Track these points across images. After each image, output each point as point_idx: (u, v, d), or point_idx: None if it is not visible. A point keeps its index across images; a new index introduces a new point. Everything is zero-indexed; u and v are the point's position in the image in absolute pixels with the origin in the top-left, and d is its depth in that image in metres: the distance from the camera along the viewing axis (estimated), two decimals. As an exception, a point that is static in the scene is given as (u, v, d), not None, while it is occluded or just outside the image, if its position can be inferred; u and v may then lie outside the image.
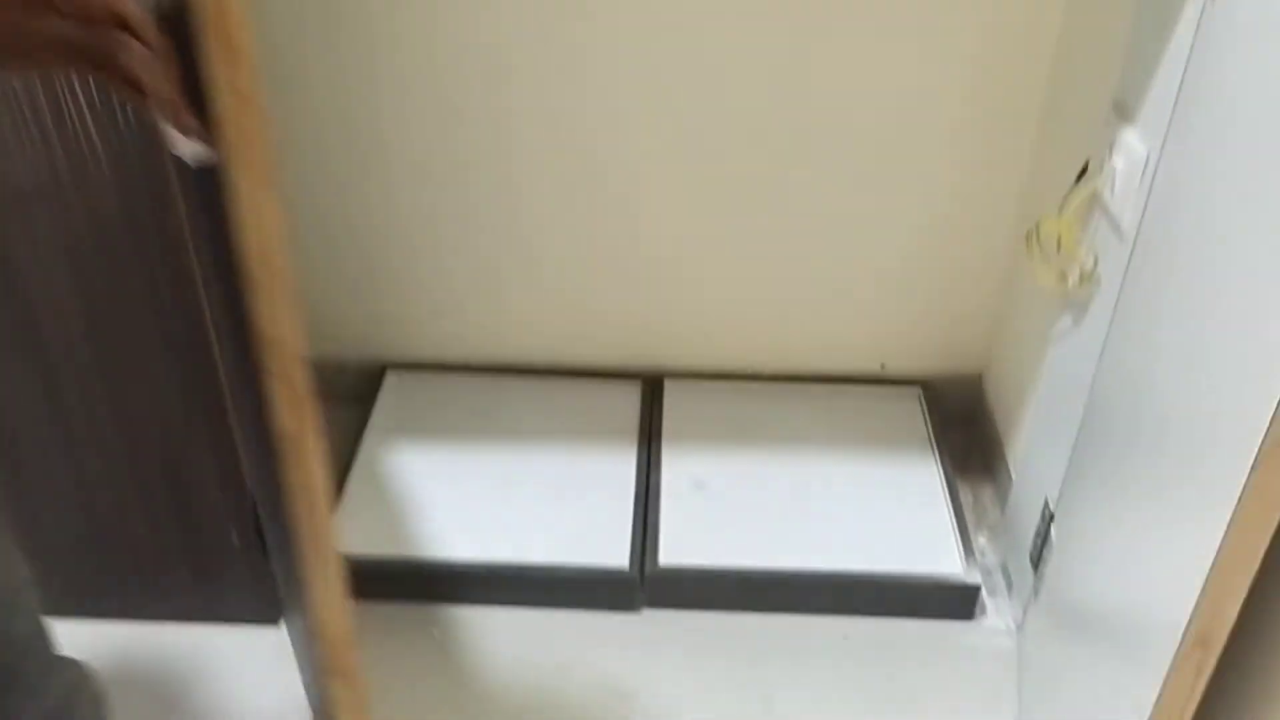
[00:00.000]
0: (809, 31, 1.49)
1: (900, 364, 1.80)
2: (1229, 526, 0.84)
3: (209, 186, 0.76)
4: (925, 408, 1.77)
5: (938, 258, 1.68)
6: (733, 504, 1.61)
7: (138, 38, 0.69)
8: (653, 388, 1.80)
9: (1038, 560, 1.40)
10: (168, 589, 1.45)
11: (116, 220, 1.13)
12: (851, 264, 1.70)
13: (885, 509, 1.61)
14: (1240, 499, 0.83)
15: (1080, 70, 1.41)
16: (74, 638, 1.46)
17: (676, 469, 1.65)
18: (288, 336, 0.78)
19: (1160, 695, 0.94)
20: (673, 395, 1.78)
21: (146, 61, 0.69)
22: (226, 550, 1.40)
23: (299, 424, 0.81)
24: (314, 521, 0.88)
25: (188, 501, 1.36)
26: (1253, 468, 0.82)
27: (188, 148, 0.74)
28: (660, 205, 1.65)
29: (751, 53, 1.51)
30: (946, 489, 1.62)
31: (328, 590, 0.94)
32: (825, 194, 1.63)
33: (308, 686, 1.37)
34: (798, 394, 1.80)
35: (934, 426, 1.73)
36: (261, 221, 0.74)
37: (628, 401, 1.78)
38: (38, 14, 0.67)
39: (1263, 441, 0.80)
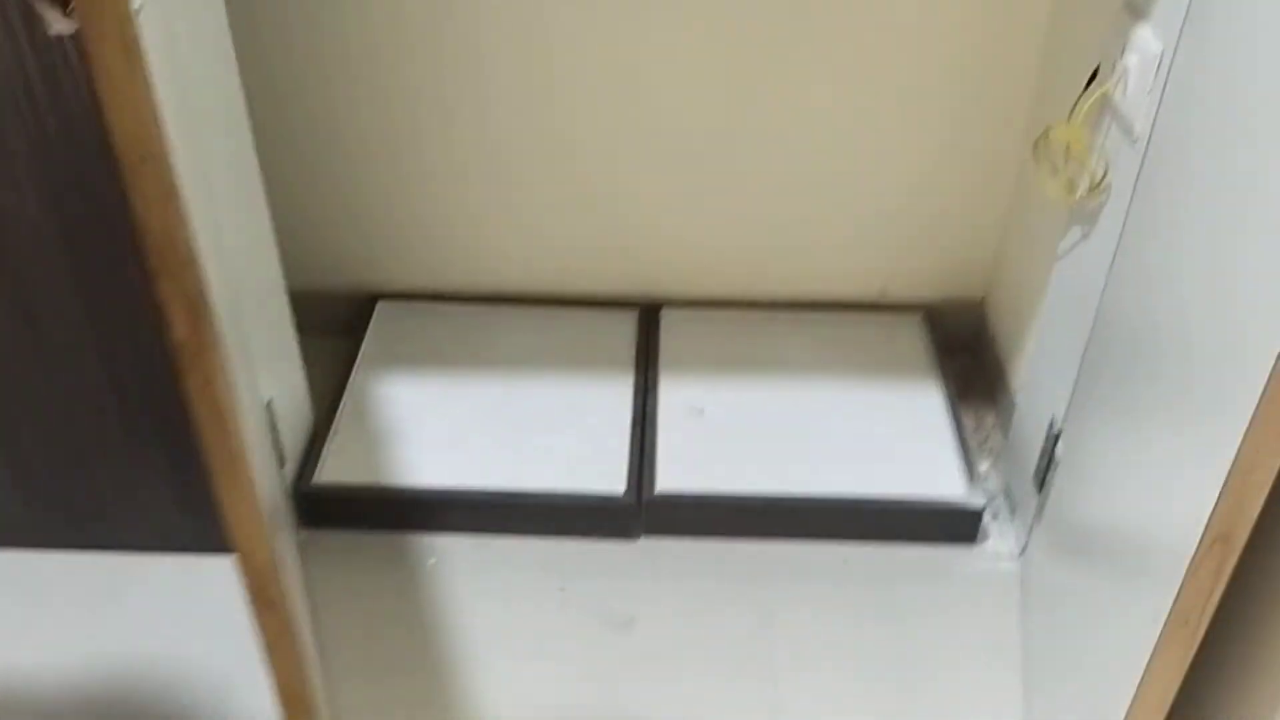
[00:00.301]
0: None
1: (901, 289, 1.77)
2: (1251, 421, 0.81)
3: (77, 72, 0.70)
4: (927, 333, 1.73)
5: (940, 179, 1.65)
6: (731, 430, 1.58)
7: None
8: (649, 315, 1.76)
9: (1042, 480, 1.38)
10: (153, 518, 1.42)
11: (88, 123, 1.08)
12: (852, 186, 1.66)
13: (886, 434, 1.58)
14: (1264, 393, 0.80)
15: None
16: (59, 569, 1.45)
17: (674, 395, 1.62)
18: (172, 231, 0.71)
19: (1177, 599, 0.91)
20: (669, 322, 1.75)
21: None
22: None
23: (194, 332, 0.73)
24: (224, 443, 0.80)
25: (173, 426, 1.33)
26: (1275, 366, 0.79)
27: (50, 15, 0.68)
28: (655, 128, 1.61)
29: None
30: (949, 413, 1.59)
31: (245, 516, 0.86)
32: (824, 113, 1.59)
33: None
34: (797, 321, 1.76)
35: (936, 352, 1.70)
36: (124, 99, 0.67)
37: (623, 329, 1.74)
38: None
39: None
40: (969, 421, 1.65)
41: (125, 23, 0.65)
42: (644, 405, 1.61)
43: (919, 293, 1.77)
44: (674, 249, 1.74)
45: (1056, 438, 1.34)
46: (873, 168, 1.64)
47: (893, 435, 1.58)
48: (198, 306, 0.73)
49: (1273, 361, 0.80)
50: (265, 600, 0.93)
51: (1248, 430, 0.82)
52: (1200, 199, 0.98)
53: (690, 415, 1.59)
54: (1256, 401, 0.81)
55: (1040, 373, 1.47)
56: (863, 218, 1.69)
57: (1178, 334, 1.00)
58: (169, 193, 0.70)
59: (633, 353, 1.70)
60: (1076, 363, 1.28)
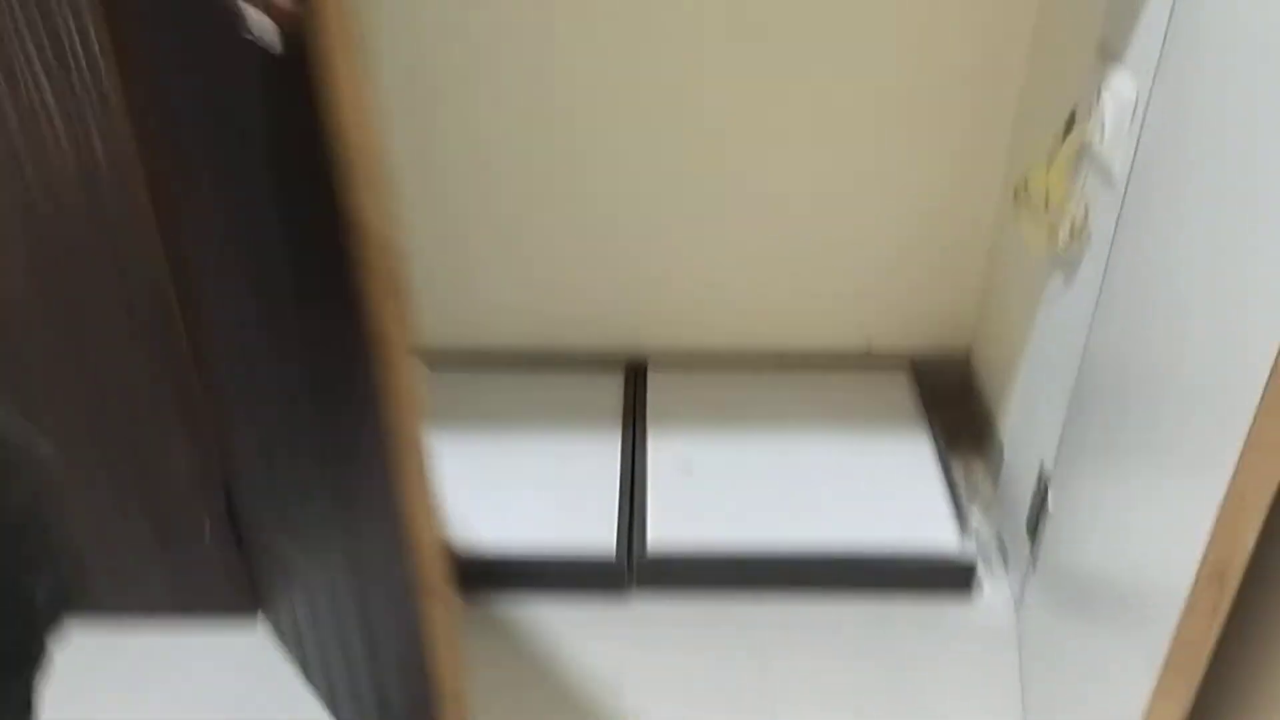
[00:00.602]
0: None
1: (887, 340, 1.77)
2: (1242, 451, 0.81)
3: (291, 72, 0.72)
4: (914, 385, 1.73)
5: (923, 231, 1.66)
6: (721, 486, 1.57)
7: None
8: (636, 373, 1.76)
9: (1035, 527, 1.37)
10: (141, 584, 1.40)
11: (74, 187, 1.08)
12: (836, 238, 1.67)
13: (877, 487, 1.57)
14: (1253, 422, 0.80)
15: (1065, 16, 1.38)
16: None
17: (663, 453, 1.61)
18: (385, 224, 0.74)
19: (1174, 641, 0.90)
20: (656, 380, 1.75)
21: None
22: (199, 542, 1.35)
23: (392, 321, 0.77)
24: (407, 427, 0.84)
25: (159, 493, 1.32)
26: (1264, 391, 0.79)
27: (267, 31, 0.70)
28: (640, 185, 1.62)
29: (728, 23, 1.48)
30: (939, 465, 1.59)
31: (420, 501, 0.90)
32: (807, 168, 1.60)
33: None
34: (784, 375, 1.76)
35: (923, 403, 1.69)
36: (353, 101, 0.70)
37: (611, 387, 1.74)
38: None
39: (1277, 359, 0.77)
40: (959, 472, 1.64)
41: (350, 20, 0.68)
42: (633, 463, 1.60)
43: (906, 344, 1.77)
44: (661, 304, 1.74)
45: (1046, 485, 1.33)
46: (855, 221, 1.65)
47: (883, 488, 1.57)
48: (400, 297, 0.77)
49: (1260, 391, 0.80)
50: (433, 591, 0.96)
51: (1239, 460, 0.81)
52: (1179, 242, 0.99)
53: (680, 472, 1.58)
54: (1246, 431, 0.80)
55: (1028, 421, 1.47)
56: (849, 270, 1.70)
57: (1164, 372, 1.00)
58: (384, 187, 0.73)
59: (620, 410, 1.69)
60: (1063, 409, 1.28)
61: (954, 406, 1.76)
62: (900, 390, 1.73)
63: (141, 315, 1.18)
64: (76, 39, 1.03)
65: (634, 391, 1.72)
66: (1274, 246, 0.81)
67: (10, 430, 0.73)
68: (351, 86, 0.71)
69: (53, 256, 1.14)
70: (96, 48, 1.03)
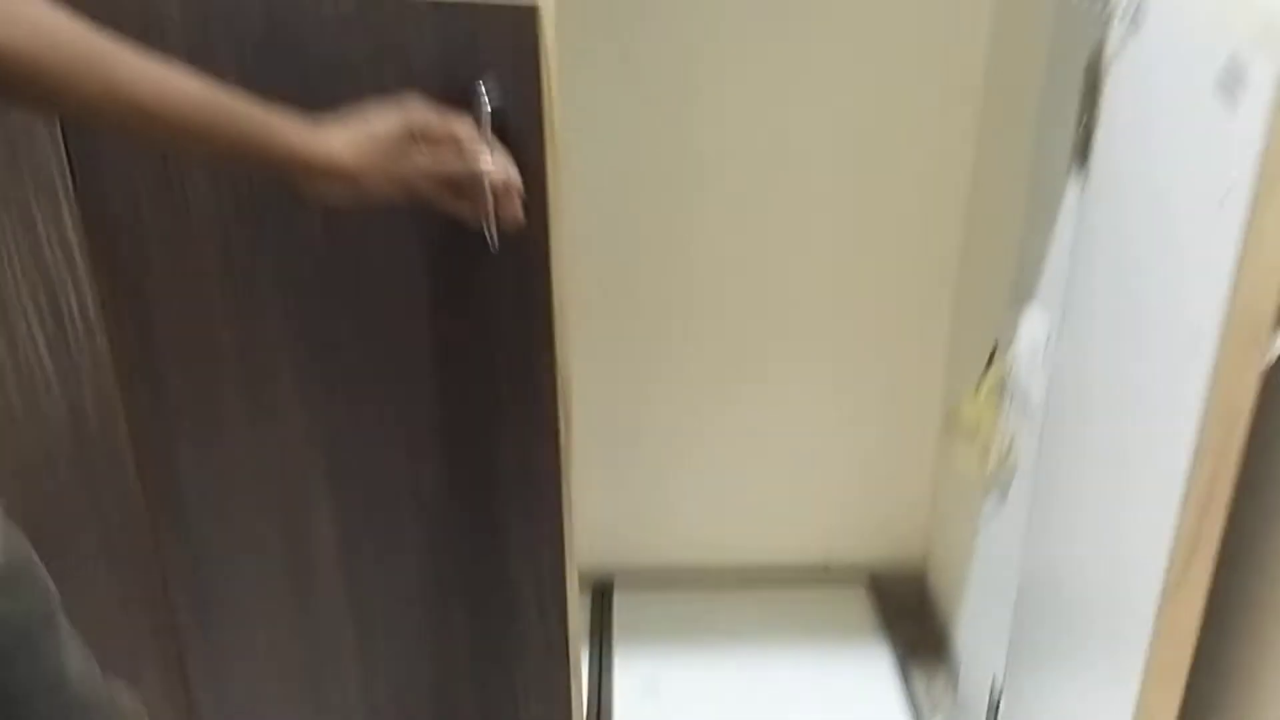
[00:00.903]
0: (747, 233, 1.59)
1: (845, 555, 1.82)
2: (1143, 678, 0.86)
3: (511, 266, 0.97)
4: (872, 599, 1.78)
5: (874, 455, 1.74)
6: (687, 707, 1.59)
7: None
8: (602, 593, 1.80)
9: (992, 741, 1.40)
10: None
11: (66, 443, 1.15)
12: (793, 464, 1.74)
13: (840, 704, 1.60)
14: (1150, 649, 0.85)
15: (983, 262, 1.50)
16: None
17: (628, 674, 1.64)
18: (567, 366, 1.03)
19: None
20: (622, 601, 1.78)
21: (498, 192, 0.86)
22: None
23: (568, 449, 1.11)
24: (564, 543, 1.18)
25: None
26: (1155, 621, 0.85)
27: (494, 238, 0.90)
28: (604, 405, 1.69)
29: (687, 249, 1.60)
30: (899, 679, 1.62)
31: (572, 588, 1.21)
32: (766, 397, 1.69)
33: None
34: (747, 593, 1.80)
35: (882, 617, 1.74)
36: (565, 282, 0.96)
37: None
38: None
39: (1164, 586, 0.84)
40: (920, 682, 1.67)
41: (563, 215, 0.93)
42: (599, 684, 1.62)
43: (863, 558, 1.83)
44: (625, 525, 1.79)
45: (999, 698, 1.37)
46: (811, 447, 1.73)
47: (846, 704, 1.59)
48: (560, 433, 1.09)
49: (1154, 613, 0.86)
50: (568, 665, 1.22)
51: (1142, 683, 0.87)
52: (1086, 462, 1.06)
53: (645, 694, 1.61)
54: (1145, 655, 0.86)
55: (979, 633, 1.51)
56: (804, 493, 1.77)
57: (1080, 592, 1.06)
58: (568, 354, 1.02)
59: (586, 631, 1.73)
60: (1008, 623, 1.33)
61: (912, 619, 1.81)
62: (859, 605, 1.77)
63: (124, 570, 1.23)
64: (73, 298, 1.11)
65: (600, 612, 1.76)
66: (1161, 464, 0.88)
67: (95, 689, 0.79)
68: (561, 264, 0.95)
69: (41, 507, 1.19)
70: (91, 307, 1.11)
